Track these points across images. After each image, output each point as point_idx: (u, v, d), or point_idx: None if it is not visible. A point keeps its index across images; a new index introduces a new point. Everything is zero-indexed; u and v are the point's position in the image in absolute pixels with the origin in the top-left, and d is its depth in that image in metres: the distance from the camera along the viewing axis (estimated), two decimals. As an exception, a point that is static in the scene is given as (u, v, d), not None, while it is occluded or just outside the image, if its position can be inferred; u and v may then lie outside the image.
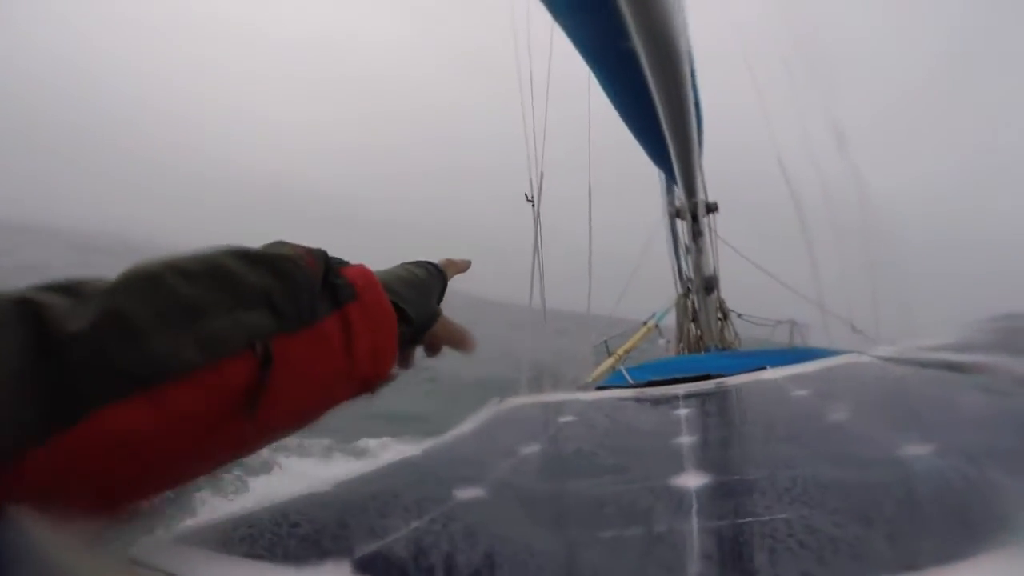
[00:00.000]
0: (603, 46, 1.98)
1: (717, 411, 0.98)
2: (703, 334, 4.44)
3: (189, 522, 0.50)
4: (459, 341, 0.60)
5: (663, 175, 4.21)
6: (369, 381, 0.46)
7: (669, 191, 4.26)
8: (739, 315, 5.38)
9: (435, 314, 0.56)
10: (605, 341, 4.22)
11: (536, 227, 2.70)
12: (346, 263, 0.47)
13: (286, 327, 0.39)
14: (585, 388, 3.17)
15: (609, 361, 3.56)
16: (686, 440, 0.71)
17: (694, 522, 0.41)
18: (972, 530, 0.32)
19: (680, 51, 1.56)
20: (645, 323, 4.89)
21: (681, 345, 4.66)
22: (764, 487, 0.47)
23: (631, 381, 1.99)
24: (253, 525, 0.48)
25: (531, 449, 0.77)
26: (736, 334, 5.08)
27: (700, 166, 2.78)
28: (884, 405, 0.77)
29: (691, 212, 3.20)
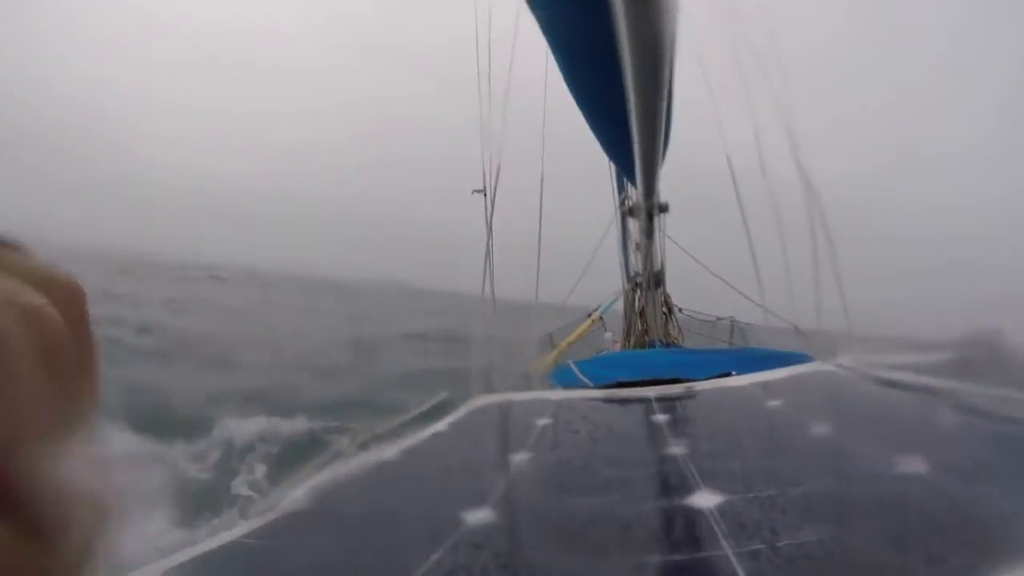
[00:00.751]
0: (583, 47, 1.96)
1: (694, 419, 1.00)
2: (648, 328, 4.56)
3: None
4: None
5: (614, 173, 4.27)
6: None
7: (620, 189, 4.33)
8: (681, 310, 5.56)
9: None
10: (550, 333, 4.26)
11: (488, 218, 2.68)
12: None
13: None
14: (530, 377, 3.20)
15: (553, 353, 3.60)
16: (678, 451, 0.72)
17: (727, 547, 0.41)
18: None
19: (665, 57, 1.57)
20: (589, 315, 4.97)
21: (628, 340, 4.76)
22: (782, 505, 0.48)
23: (584, 377, 2.01)
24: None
25: (522, 457, 0.76)
26: (680, 329, 5.24)
27: (663, 158, 2.83)
28: (859, 419, 0.80)
29: (647, 212, 3.26)
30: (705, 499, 0.51)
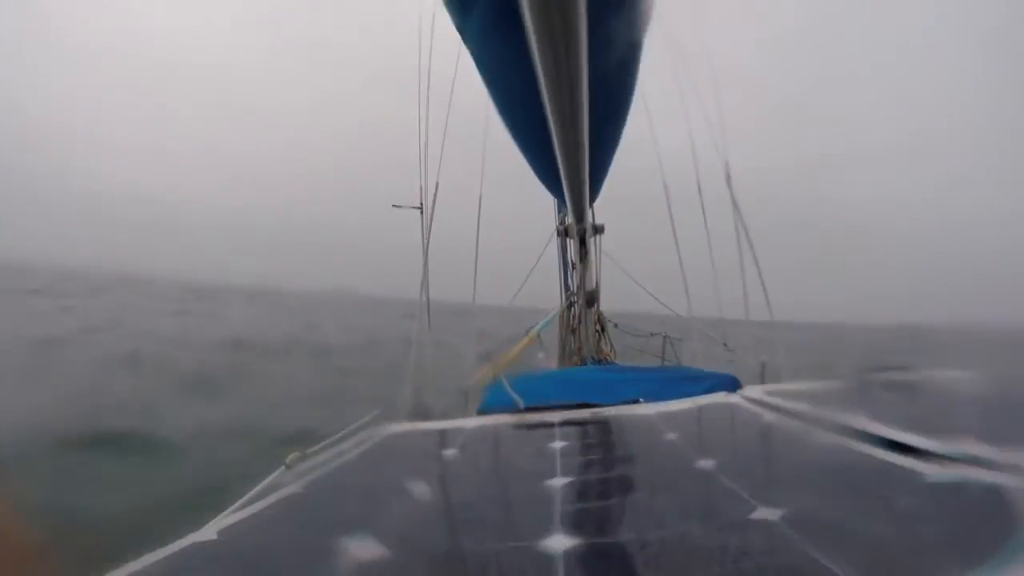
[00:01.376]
0: (504, 74, 2.03)
1: (590, 447, 1.06)
2: (581, 346, 4.67)
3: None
4: None
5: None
6: None
7: (560, 208, 4.44)
8: (615, 325, 5.72)
9: None
10: (487, 352, 4.31)
11: (424, 240, 2.72)
12: None
13: None
14: (467, 393, 3.23)
15: (488, 368, 3.64)
16: (557, 485, 0.78)
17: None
18: None
19: (582, 92, 1.65)
20: (527, 333, 5.05)
21: (563, 357, 4.86)
22: (631, 552, 0.53)
23: (514, 394, 2.07)
24: None
25: (415, 490, 0.80)
26: (612, 346, 5.40)
27: (593, 199, 2.94)
28: (745, 460, 0.86)
29: (579, 236, 3.37)
30: (558, 542, 0.56)
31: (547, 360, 4.90)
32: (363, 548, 0.59)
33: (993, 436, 0.60)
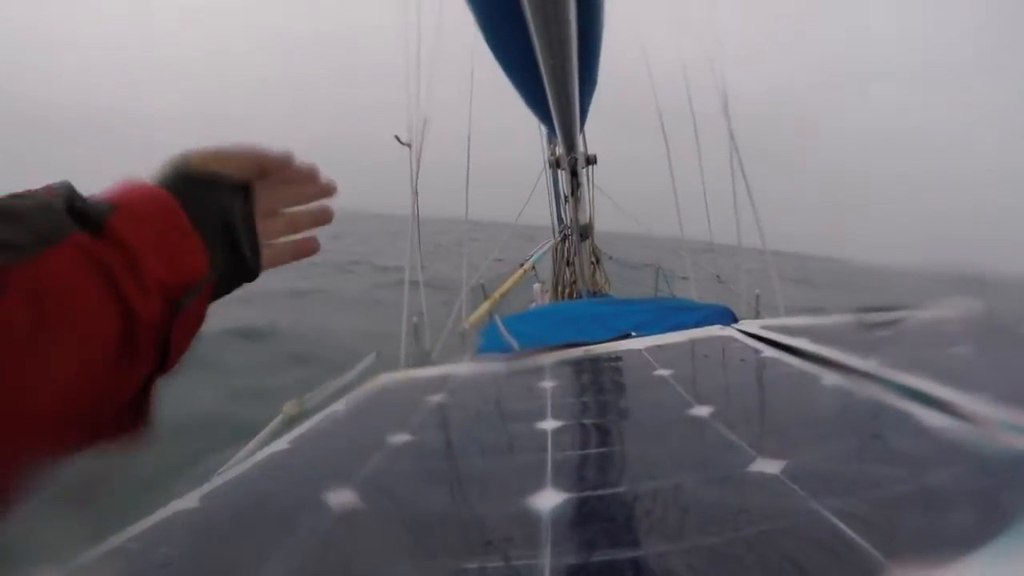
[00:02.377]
0: (495, 9, 1.90)
1: (581, 389, 1.04)
2: (576, 279, 4.68)
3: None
4: (296, 248, 0.54)
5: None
6: (175, 285, 0.40)
7: (551, 139, 4.32)
8: (610, 257, 5.72)
9: (216, 175, 0.45)
10: (482, 284, 4.31)
11: (413, 179, 2.63)
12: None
13: (22, 256, 0.33)
14: (464, 335, 3.24)
15: (485, 306, 3.65)
16: (548, 428, 0.75)
17: (547, 556, 0.44)
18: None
19: (569, 7, 1.54)
20: (521, 265, 5.05)
21: (558, 289, 4.87)
22: (622, 506, 0.50)
23: (510, 336, 2.06)
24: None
25: (402, 442, 0.78)
26: (607, 278, 5.42)
27: (583, 123, 2.83)
28: (742, 402, 0.83)
29: (570, 167, 3.27)
30: (547, 499, 0.53)
31: (543, 292, 4.92)
32: (345, 505, 0.57)
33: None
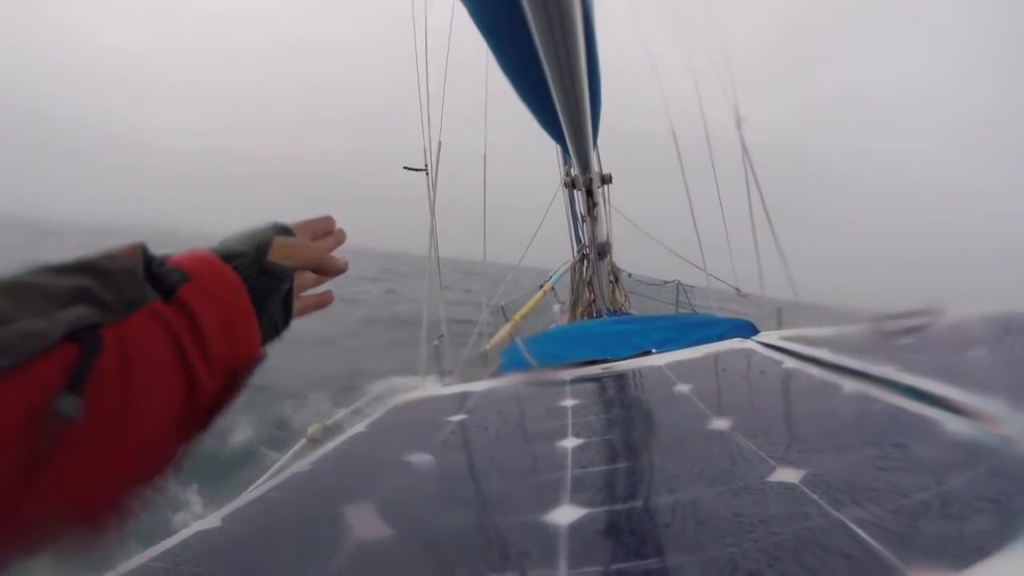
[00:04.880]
0: (495, 17, 1.95)
1: (601, 406, 1.03)
2: (595, 298, 4.66)
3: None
4: (318, 300, 0.62)
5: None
6: (233, 363, 0.44)
7: (566, 160, 4.36)
8: (630, 275, 5.70)
9: (285, 270, 0.52)
10: (502, 307, 4.32)
11: (431, 200, 2.67)
12: (171, 256, 0.45)
13: (112, 316, 0.37)
14: (486, 356, 3.24)
15: (506, 328, 3.65)
16: (568, 446, 0.75)
17: (564, 571, 0.44)
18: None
19: (576, 29, 1.57)
20: (541, 286, 5.05)
21: (577, 309, 4.86)
22: (639, 519, 0.50)
23: (530, 357, 2.06)
24: None
25: (423, 461, 0.79)
26: (626, 296, 5.39)
27: (595, 140, 2.86)
28: (762, 413, 0.82)
29: (585, 187, 3.29)
30: (565, 514, 0.53)
31: (562, 312, 4.91)
32: (365, 526, 0.57)
33: None
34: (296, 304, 0.56)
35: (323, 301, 0.64)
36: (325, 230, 0.62)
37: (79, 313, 0.35)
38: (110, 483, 0.37)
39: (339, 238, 0.65)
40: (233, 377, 0.44)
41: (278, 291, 0.51)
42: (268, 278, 0.50)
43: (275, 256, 0.51)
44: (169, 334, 0.40)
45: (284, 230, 0.55)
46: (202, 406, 0.42)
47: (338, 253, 0.63)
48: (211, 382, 0.42)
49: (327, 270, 0.60)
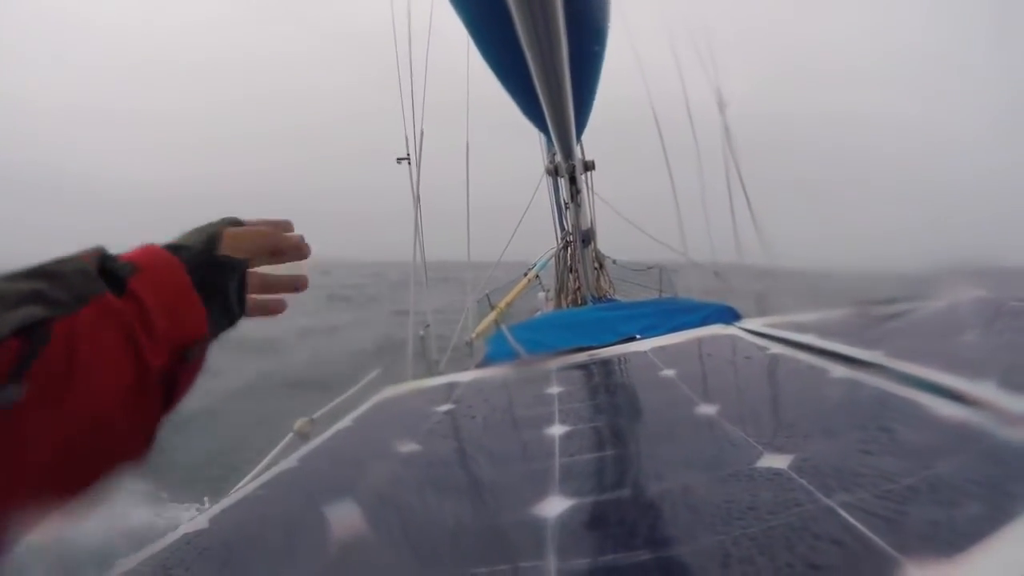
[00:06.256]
0: (477, 4, 1.92)
1: (587, 393, 1.03)
2: (580, 284, 4.67)
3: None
4: (266, 305, 0.63)
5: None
6: (178, 341, 0.47)
7: (549, 147, 4.34)
8: (615, 261, 5.72)
9: (234, 259, 0.55)
10: (487, 295, 4.31)
11: (415, 188, 2.65)
12: (126, 253, 0.49)
13: (60, 311, 0.40)
14: (472, 345, 3.23)
15: (491, 316, 3.64)
16: (557, 431, 0.75)
17: (552, 563, 0.43)
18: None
19: (557, 15, 1.55)
20: (525, 274, 5.04)
21: (562, 296, 4.86)
22: (628, 508, 0.50)
23: (517, 344, 2.06)
24: None
25: (409, 454, 0.78)
26: (611, 282, 5.41)
27: (581, 131, 2.84)
28: (747, 398, 0.82)
29: (568, 174, 3.28)
30: (553, 505, 0.53)
31: (547, 300, 4.91)
32: (353, 522, 0.56)
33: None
34: (249, 302, 0.58)
35: (271, 308, 0.64)
36: (283, 230, 0.63)
37: (29, 312, 0.38)
38: (75, 462, 0.40)
39: (296, 243, 0.63)
40: (179, 352, 0.47)
41: (229, 279, 0.54)
42: (217, 267, 0.53)
43: (226, 246, 0.54)
44: (118, 321, 0.43)
45: (236, 223, 0.58)
46: (152, 382, 0.45)
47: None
48: (156, 358, 0.45)
49: (285, 253, 0.61)
